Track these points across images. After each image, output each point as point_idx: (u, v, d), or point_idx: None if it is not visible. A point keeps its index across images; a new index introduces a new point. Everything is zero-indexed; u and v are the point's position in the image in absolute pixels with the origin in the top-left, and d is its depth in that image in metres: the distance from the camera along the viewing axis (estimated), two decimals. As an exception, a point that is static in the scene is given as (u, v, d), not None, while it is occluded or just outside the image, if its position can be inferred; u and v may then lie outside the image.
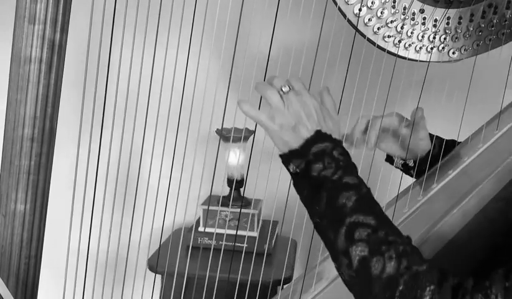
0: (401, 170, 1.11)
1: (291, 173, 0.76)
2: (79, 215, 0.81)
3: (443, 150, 1.02)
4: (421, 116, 1.03)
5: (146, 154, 0.90)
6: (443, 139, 1.07)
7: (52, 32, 0.78)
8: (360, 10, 0.90)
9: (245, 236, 1.41)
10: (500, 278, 0.65)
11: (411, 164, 1.08)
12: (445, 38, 0.94)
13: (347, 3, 0.90)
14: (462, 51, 0.96)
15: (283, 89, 0.77)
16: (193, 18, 0.84)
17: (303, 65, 0.96)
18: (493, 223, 0.84)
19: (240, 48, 0.90)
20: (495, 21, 0.94)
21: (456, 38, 0.95)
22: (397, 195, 1.02)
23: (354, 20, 0.91)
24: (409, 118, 1.05)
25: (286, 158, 0.76)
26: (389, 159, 1.13)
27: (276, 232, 1.62)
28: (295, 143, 0.75)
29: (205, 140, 1.03)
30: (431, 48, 0.94)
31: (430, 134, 1.07)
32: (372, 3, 0.90)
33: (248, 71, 0.98)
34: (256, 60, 0.96)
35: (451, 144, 1.06)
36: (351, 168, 0.74)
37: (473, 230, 0.84)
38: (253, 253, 1.32)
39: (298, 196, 0.89)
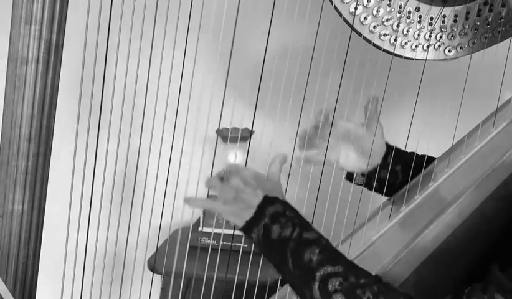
0: (360, 185, 1.07)
1: (255, 243, 0.79)
2: (77, 215, 0.81)
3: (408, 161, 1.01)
4: (375, 108, 1.01)
5: (144, 153, 0.90)
6: (393, 147, 1.05)
7: (49, 32, 0.78)
8: (356, 8, 0.90)
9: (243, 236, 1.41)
10: (478, 291, 0.66)
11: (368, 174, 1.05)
12: (440, 37, 0.94)
13: (342, 2, 0.90)
14: (458, 49, 0.96)
15: (222, 173, 0.83)
16: (189, 19, 0.84)
17: (299, 64, 0.97)
18: (491, 223, 0.84)
19: (236, 48, 0.90)
20: (490, 19, 0.94)
21: (452, 36, 0.95)
22: (393, 198, 1.02)
23: (349, 18, 0.91)
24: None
25: (246, 229, 0.79)
26: (349, 176, 1.09)
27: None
28: (248, 214, 0.78)
29: (206, 140, 1.03)
30: (427, 47, 0.95)
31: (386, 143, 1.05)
32: (367, 1, 0.91)
33: (245, 71, 0.99)
34: (253, 59, 0.96)
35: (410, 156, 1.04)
36: (306, 224, 0.78)
37: (469, 229, 0.84)
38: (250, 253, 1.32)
39: (296, 195, 0.90)
